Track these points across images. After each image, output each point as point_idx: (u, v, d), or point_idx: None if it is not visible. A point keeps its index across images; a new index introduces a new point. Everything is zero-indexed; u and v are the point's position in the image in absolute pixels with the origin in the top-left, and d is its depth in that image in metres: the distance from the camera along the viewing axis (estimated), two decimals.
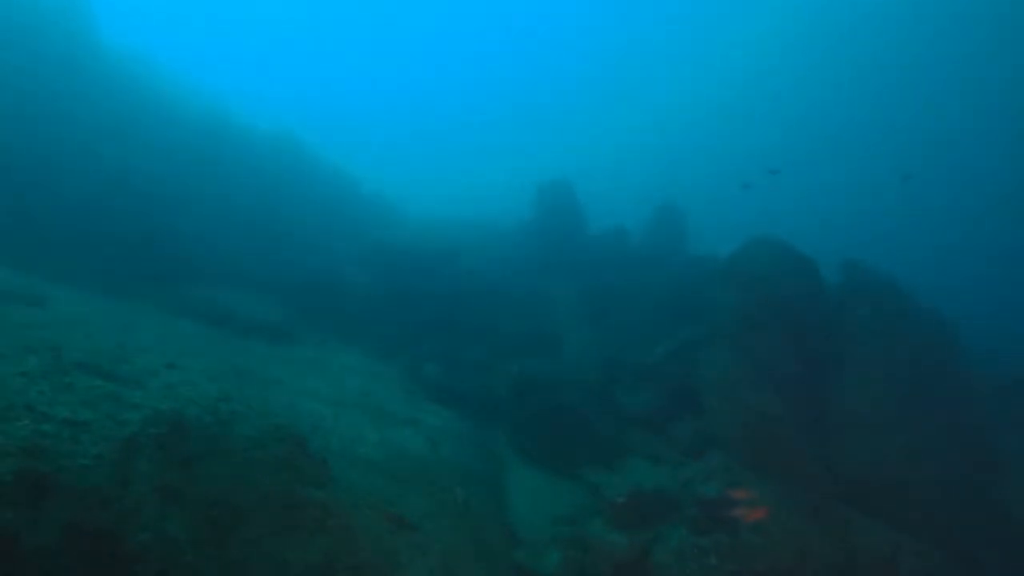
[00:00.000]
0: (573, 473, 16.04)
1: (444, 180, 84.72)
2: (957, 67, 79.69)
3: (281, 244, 26.60)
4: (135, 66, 27.09)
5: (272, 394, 12.96)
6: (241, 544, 6.85)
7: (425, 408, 17.60)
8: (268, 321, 19.92)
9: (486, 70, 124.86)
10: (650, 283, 25.69)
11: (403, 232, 31.54)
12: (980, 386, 19.94)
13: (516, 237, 32.67)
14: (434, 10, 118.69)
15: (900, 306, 19.31)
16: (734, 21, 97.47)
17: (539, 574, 11.68)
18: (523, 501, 14.81)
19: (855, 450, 15.48)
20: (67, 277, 16.47)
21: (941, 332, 19.95)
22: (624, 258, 30.22)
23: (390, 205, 38.28)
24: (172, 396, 8.55)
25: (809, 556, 11.83)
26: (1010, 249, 76.41)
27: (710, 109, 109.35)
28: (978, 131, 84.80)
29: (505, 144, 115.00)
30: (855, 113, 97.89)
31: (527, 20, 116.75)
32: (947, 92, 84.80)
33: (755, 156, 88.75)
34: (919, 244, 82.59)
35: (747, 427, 14.66)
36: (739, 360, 16.18)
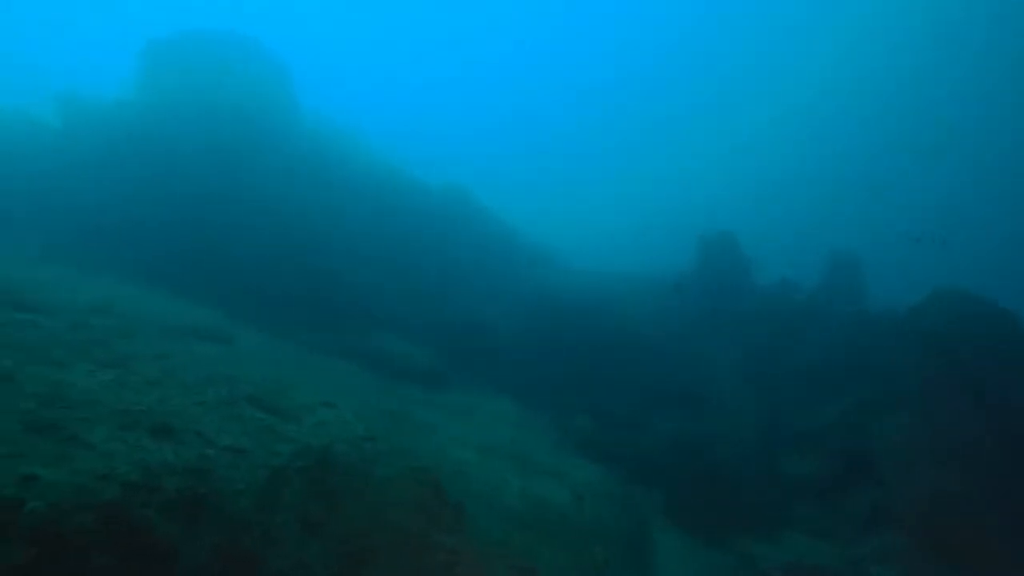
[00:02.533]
0: (725, 541, 14.88)
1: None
2: None
3: (438, 292, 27.93)
4: (319, 124, 30.24)
5: (419, 437, 13.41)
6: None
7: (572, 461, 17.30)
8: (422, 366, 20.85)
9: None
10: (817, 339, 23.70)
11: (557, 282, 31.86)
12: None
13: (672, 289, 31.73)
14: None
15: None
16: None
17: None
18: (668, 567, 13.95)
19: None
20: (252, 318, 18.48)
21: None
22: (790, 313, 28.19)
23: (546, 255, 38.81)
24: (323, 432, 9.14)
25: None
26: None
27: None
28: None
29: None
30: None
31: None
32: None
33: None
34: None
35: (927, 505, 12.75)
36: (918, 429, 14.23)
